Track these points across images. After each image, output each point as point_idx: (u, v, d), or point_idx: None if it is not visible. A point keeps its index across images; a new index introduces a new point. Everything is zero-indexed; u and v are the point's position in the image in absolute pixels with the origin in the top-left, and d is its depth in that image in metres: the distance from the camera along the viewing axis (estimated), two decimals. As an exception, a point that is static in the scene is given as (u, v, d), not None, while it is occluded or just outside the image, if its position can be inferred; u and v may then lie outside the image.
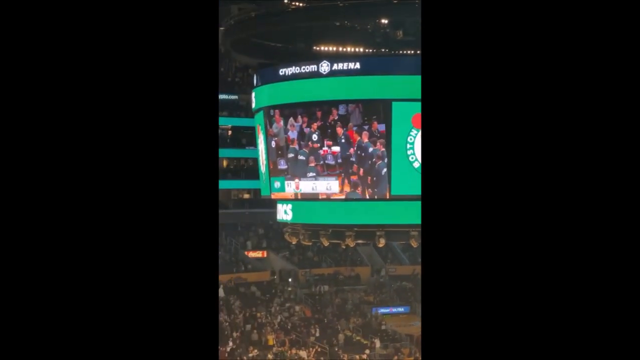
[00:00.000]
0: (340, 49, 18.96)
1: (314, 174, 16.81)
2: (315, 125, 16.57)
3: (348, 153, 16.27)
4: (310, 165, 16.88)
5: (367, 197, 16.25)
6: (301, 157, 16.99)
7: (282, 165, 17.70)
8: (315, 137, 16.58)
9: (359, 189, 16.22)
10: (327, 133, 16.44)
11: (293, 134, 17.14)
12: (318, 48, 19.13)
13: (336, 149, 16.39)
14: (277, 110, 17.38)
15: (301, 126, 16.87)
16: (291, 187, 17.17)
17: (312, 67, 16.30)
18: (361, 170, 16.16)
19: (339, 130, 16.35)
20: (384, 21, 17.89)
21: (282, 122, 17.39)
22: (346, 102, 16.21)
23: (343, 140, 16.34)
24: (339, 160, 16.37)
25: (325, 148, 16.48)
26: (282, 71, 16.84)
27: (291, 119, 17.14)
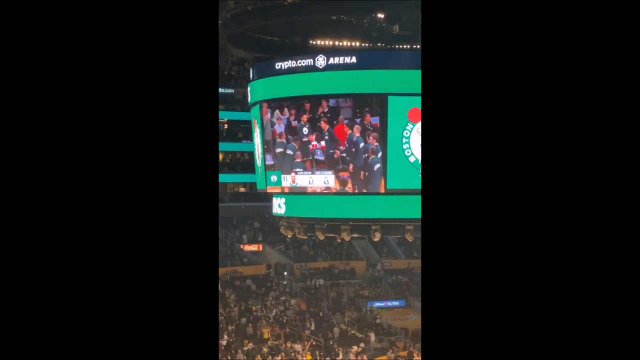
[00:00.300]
0: (337, 43, 18.97)
1: (301, 170, 16.78)
2: (305, 118, 16.51)
3: (334, 149, 16.21)
4: (296, 160, 16.83)
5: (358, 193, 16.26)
6: (289, 152, 16.97)
7: (269, 160, 17.65)
8: (305, 130, 16.54)
9: (348, 186, 16.18)
10: (317, 127, 16.44)
11: (280, 128, 17.07)
12: (314, 42, 19.14)
13: (324, 143, 16.38)
14: (265, 103, 17.37)
15: (288, 119, 16.83)
16: (287, 181, 17.18)
17: (309, 61, 16.30)
18: (351, 166, 16.12)
19: (324, 126, 16.28)
20: (380, 16, 17.90)
21: (269, 115, 17.35)
22: (342, 96, 16.21)
23: (327, 137, 16.25)
24: (329, 156, 16.34)
25: (314, 143, 16.44)
26: (279, 65, 16.84)
27: (277, 111, 17.08)
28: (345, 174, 16.15)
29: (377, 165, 15.86)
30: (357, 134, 15.93)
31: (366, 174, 15.96)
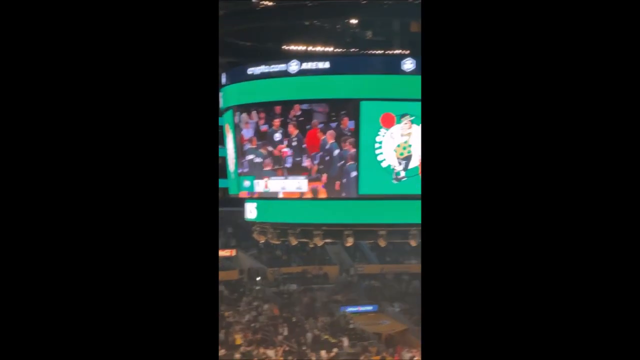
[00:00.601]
0: (310, 48, 18.99)
1: (273, 176, 16.68)
2: (277, 122, 16.43)
3: (302, 157, 16.11)
4: (265, 168, 16.71)
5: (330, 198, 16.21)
6: (258, 159, 16.88)
7: (242, 167, 17.51)
8: (278, 136, 16.45)
9: (320, 195, 16.13)
10: (286, 132, 16.36)
11: (248, 133, 16.94)
12: (287, 47, 19.14)
13: (291, 150, 16.23)
14: (237, 109, 17.30)
15: (257, 123, 16.73)
16: (260, 187, 17.12)
17: (281, 67, 16.27)
18: (325, 176, 16.04)
19: (292, 130, 16.20)
20: (354, 21, 17.97)
21: (237, 119, 17.25)
22: (316, 101, 16.17)
23: (295, 143, 16.14)
24: (302, 164, 16.21)
25: (285, 150, 16.37)
26: (251, 70, 16.77)
27: (244, 115, 16.97)
28: (317, 184, 16.08)
29: (354, 173, 15.83)
30: (331, 140, 15.88)
31: (344, 180, 15.90)
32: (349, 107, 15.78)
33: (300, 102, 16.14)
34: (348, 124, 15.73)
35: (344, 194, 15.93)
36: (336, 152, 15.82)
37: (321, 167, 15.96)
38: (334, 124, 15.80)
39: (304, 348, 26.20)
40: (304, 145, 16.04)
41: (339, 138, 15.79)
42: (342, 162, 15.79)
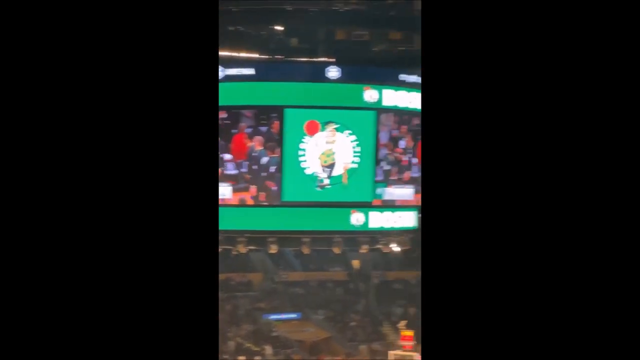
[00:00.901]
0: (234, 54, 18.88)
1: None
2: None
3: (222, 166, 16.00)
4: None
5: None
6: None
7: None
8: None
9: (247, 203, 16.01)
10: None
11: None
12: (212, 52, 18.97)
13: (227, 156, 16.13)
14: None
15: None
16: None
17: (206, 72, 16.14)
18: (254, 189, 15.93)
19: None
20: (279, 28, 17.97)
21: None
22: (240, 107, 16.12)
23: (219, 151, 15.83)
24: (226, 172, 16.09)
25: None
26: (175, 75, 16.57)
27: None
28: (245, 195, 15.95)
29: (283, 180, 15.87)
30: (260, 147, 15.80)
31: (274, 188, 15.85)
32: (278, 112, 15.80)
33: (225, 108, 16.04)
34: (279, 127, 15.72)
35: (270, 202, 15.91)
36: (264, 159, 15.76)
37: (250, 177, 15.87)
38: (264, 128, 15.73)
39: (225, 357, 25.98)
40: (224, 155, 15.85)
41: (267, 144, 15.74)
42: (272, 169, 15.73)
